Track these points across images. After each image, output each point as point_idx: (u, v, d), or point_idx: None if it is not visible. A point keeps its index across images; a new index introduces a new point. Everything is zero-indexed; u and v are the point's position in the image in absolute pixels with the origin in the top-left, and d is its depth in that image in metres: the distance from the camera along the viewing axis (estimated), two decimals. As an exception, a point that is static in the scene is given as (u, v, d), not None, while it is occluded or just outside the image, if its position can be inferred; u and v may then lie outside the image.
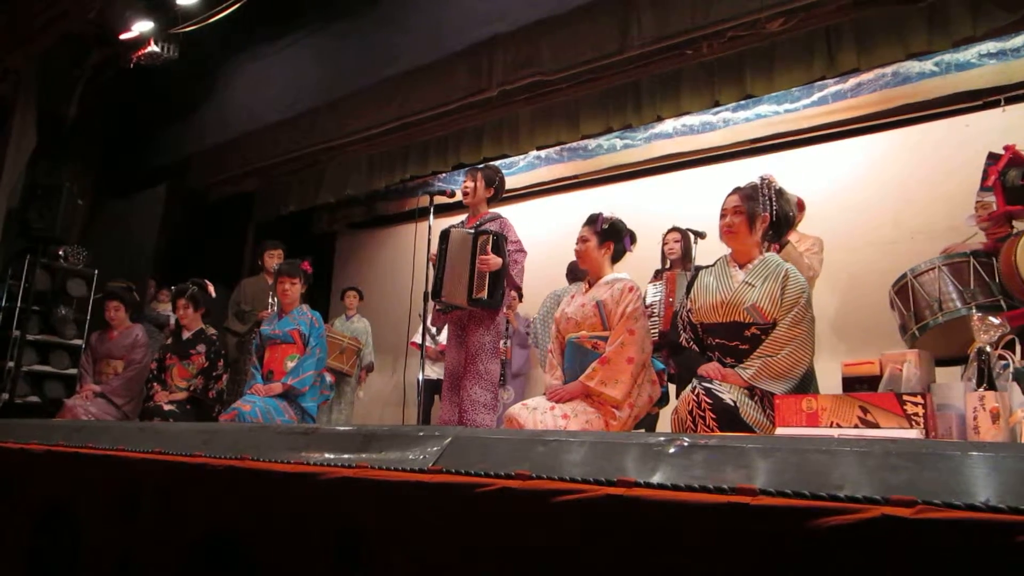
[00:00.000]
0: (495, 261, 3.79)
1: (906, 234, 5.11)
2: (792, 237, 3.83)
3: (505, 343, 5.78)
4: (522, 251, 4.00)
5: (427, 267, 4.09)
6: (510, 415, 3.12)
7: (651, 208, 6.02)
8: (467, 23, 5.44)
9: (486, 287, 3.78)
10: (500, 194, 4.19)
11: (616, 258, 3.39)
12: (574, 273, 5.81)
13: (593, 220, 3.38)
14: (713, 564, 1.10)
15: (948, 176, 4.84)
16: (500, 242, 3.85)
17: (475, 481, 1.41)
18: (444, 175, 7.29)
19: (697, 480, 1.20)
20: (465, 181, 4.12)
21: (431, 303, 4.06)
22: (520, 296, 5.96)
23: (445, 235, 3.96)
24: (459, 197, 4.22)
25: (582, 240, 3.38)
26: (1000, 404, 2.00)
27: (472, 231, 3.87)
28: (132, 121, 8.11)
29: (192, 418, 4.62)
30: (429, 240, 4.13)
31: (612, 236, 3.36)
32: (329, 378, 5.72)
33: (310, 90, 6.61)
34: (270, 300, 5.69)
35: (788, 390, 2.62)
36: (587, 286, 3.40)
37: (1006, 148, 3.22)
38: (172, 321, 5.63)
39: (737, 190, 2.95)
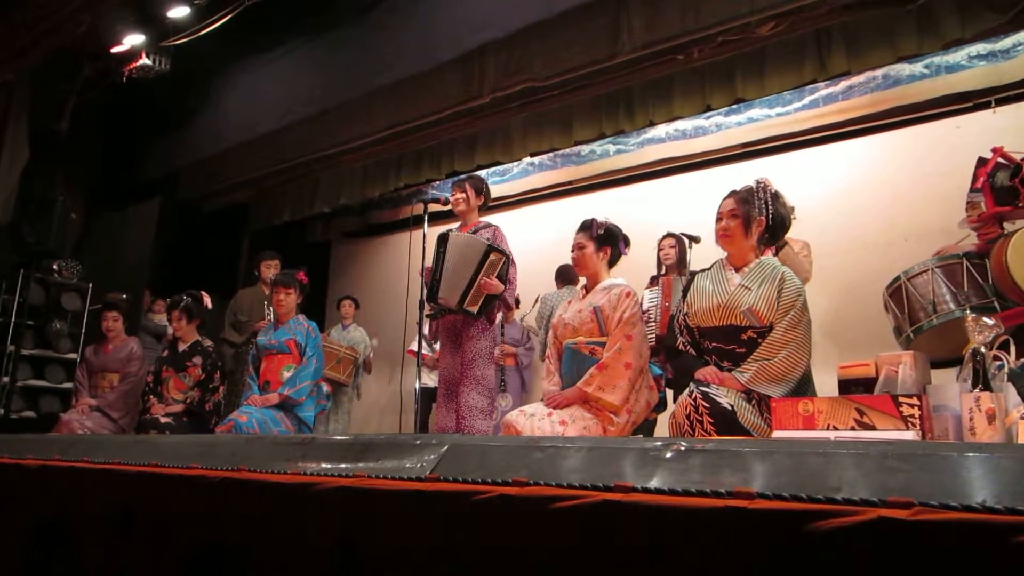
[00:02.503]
0: (497, 286, 3.83)
1: (899, 236, 5.12)
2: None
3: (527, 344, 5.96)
4: (513, 264, 4.03)
5: (421, 279, 4.08)
6: (507, 421, 3.12)
7: (645, 213, 6.04)
8: (458, 31, 5.46)
9: (479, 304, 3.83)
10: (488, 202, 4.26)
11: (612, 263, 3.39)
12: (563, 276, 5.82)
13: (588, 226, 3.37)
14: (711, 569, 1.10)
15: (940, 178, 4.86)
16: (507, 265, 3.88)
17: (473, 489, 1.41)
18: (438, 183, 7.30)
19: (694, 484, 1.20)
20: (454, 193, 4.14)
21: (427, 311, 4.06)
22: (517, 304, 5.97)
23: (444, 238, 3.96)
24: (451, 207, 4.24)
25: (579, 247, 3.36)
26: (996, 405, 2.00)
27: (488, 243, 3.86)
28: (125, 134, 8.11)
29: (189, 431, 4.59)
30: (424, 248, 4.12)
31: (609, 241, 3.36)
32: (326, 388, 5.71)
33: (303, 100, 6.62)
34: (266, 310, 5.68)
35: (785, 393, 2.62)
36: (584, 292, 3.40)
37: (994, 150, 3.24)
38: (169, 331, 5.61)
39: (733, 193, 2.95)
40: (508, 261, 3.91)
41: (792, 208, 3.67)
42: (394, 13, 5.96)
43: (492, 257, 3.84)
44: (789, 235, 4.12)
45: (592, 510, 1.23)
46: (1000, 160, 3.16)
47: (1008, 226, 3.13)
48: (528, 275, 4.19)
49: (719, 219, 2.94)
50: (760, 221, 2.88)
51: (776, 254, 3.78)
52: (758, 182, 2.93)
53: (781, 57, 4.85)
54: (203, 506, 1.97)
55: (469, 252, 3.86)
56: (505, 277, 3.89)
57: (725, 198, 2.96)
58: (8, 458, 2.81)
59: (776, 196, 2.92)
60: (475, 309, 3.84)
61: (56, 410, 6.17)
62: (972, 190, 3.34)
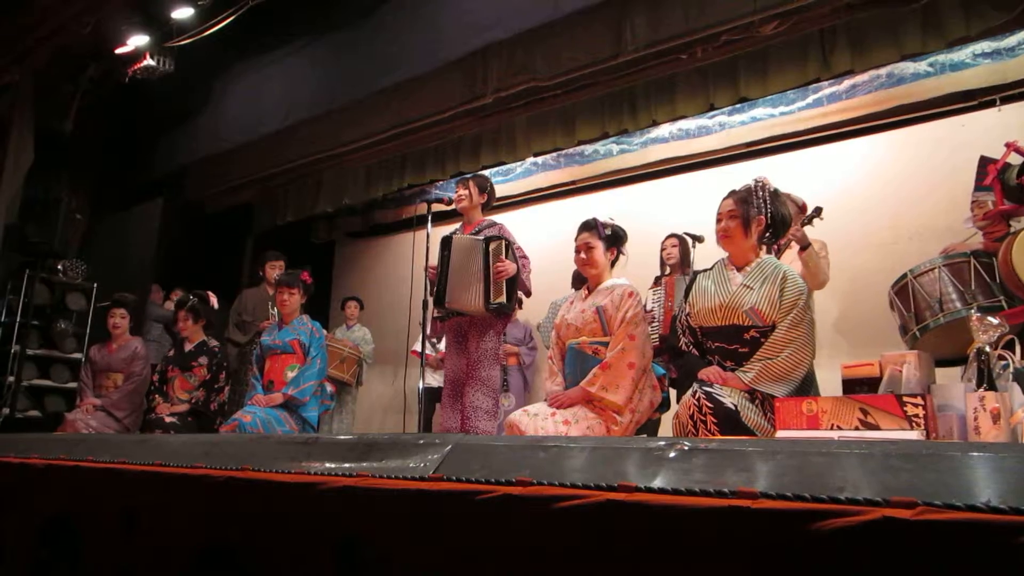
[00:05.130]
0: (511, 267, 3.82)
1: (905, 235, 5.11)
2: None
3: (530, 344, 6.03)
4: (526, 256, 4.03)
5: (425, 277, 4.08)
6: (511, 421, 3.12)
7: (648, 212, 6.03)
8: (462, 31, 5.45)
9: (504, 292, 3.81)
10: (492, 201, 4.26)
11: (613, 264, 3.38)
12: (579, 281, 5.80)
13: (593, 225, 3.32)
14: (714, 568, 1.10)
15: (946, 176, 4.85)
16: (510, 247, 3.87)
17: (476, 488, 1.41)
18: (441, 183, 7.30)
19: (698, 484, 1.20)
20: (458, 190, 4.15)
21: (430, 311, 4.06)
22: (519, 303, 5.96)
23: (447, 241, 3.96)
24: (454, 206, 4.24)
25: (587, 247, 3.30)
26: (1000, 404, 2.00)
27: (481, 239, 3.87)
28: (129, 135, 8.12)
29: (193, 430, 4.60)
30: (428, 248, 4.12)
31: (615, 242, 3.35)
32: (330, 388, 5.72)
33: (307, 100, 6.62)
34: (270, 311, 5.69)
35: (789, 392, 2.62)
36: (587, 292, 3.39)
37: (1007, 145, 3.21)
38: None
39: (732, 193, 2.94)
40: (510, 244, 3.89)
41: (804, 204, 3.65)
42: (398, 14, 5.96)
43: (493, 245, 3.84)
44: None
45: (595, 510, 1.23)
46: (1011, 157, 3.15)
47: (1015, 224, 3.12)
48: (532, 274, 4.19)
49: (719, 220, 2.93)
50: (760, 220, 2.87)
51: (801, 252, 3.77)
52: (756, 181, 2.93)
53: (784, 56, 4.83)
54: (207, 505, 1.97)
55: (472, 253, 3.86)
56: (515, 257, 3.88)
57: (724, 198, 2.95)
58: (13, 457, 2.82)
59: (775, 195, 2.91)
60: (503, 299, 3.81)
61: (61, 410, 6.19)
62: (977, 188, 3.33)
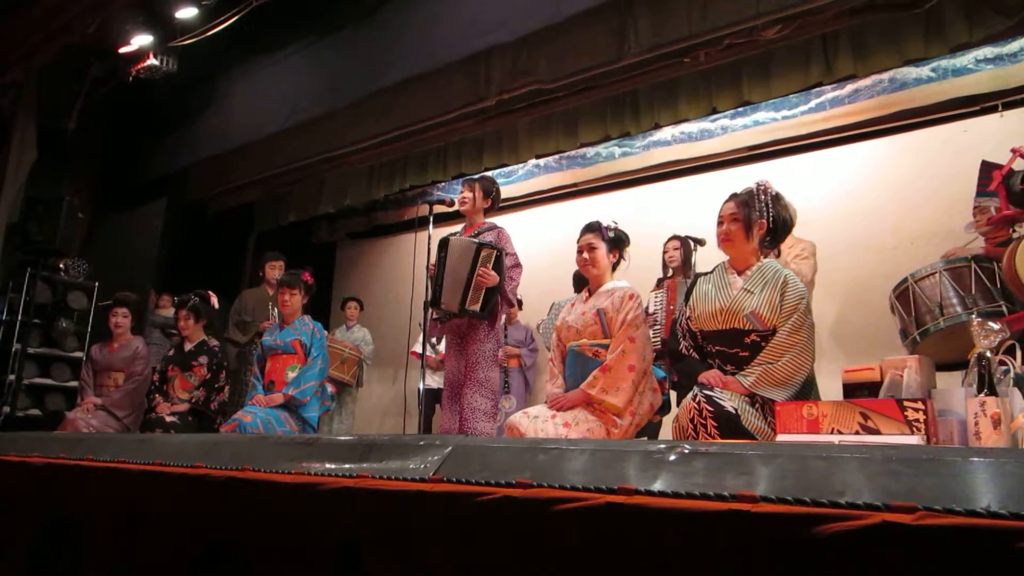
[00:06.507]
0: (493, 277, 3.83)
1: (906, 240, 5.11)
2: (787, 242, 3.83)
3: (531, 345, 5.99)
4: (518, 266, 4.03)
5: (426, 278, 4.09)
6: (511, 423, 3.12)
7: (650, 216, 6.03)
8: (465, 33, 5.46)
9: (480, 300, 3.83)
10: (496, 204, 4.24)
11: (614, 268, 3.38)
12: (581, 283, 5.80)
13: (596, 227, 3.33)
14: (714, 571, 1.10)
15: (947, 181, 4.85)
16: (501, 258, 3.88)
17: (476, 490, 1.41)
18: (443, 184, 7.31)
19: (698, 487, 1.20)
20: (463, 191, 4.15)
21: (430, 312, 4.07)
22: (520, 305, 5.97)
23: (444, 243, 3.97)
24: (457, 207, 4.25)
25: (590, 248, 3.31)
26: (1001, 410, 1.99)
27: (476, 241, 3.88)
28: (132, 134, 8.14)
29: (194, 430, 4.60)
30: (429, 249, 4.13)
31: (617, 245, 3.35)
32: (330, 388, 5.73)
33: (309, 101, 6.63)
34: (271, 311, 5.70)
35: (789, 397, 2.61)
36: (587, 294, 3.39)
37: (1013, 151, 3.21)
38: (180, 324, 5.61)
39: (733, 197, 2.94)
40: (502, 253, 3.90)
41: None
42: (401, 15, 5.96)
43: (483, 253, 3.85)
44: (799, 237, 4.11)
45: (595, 512, 1.23)
46: (1016, 162, 3.15)
47: (1019, 229, 3.11)
48: (533, 276, 4.19)
49: (720, 223, 2.93)
50: (761, 224, 2.86)
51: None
52: (758, 184, 2.92)
53: (787, 60, 4.83)
54: (207, 505, 1.97)
55: (464, 256, 3.87)
56: (501, 269, 3.88)
57: (725, 201, 2.94)
58: (14, 456, 2.83)
59: (777, 198, 2.90)
60: (477, 307, 3.83)
61: (61, 408, 6.19)
62: (980, 193, 3.33)
